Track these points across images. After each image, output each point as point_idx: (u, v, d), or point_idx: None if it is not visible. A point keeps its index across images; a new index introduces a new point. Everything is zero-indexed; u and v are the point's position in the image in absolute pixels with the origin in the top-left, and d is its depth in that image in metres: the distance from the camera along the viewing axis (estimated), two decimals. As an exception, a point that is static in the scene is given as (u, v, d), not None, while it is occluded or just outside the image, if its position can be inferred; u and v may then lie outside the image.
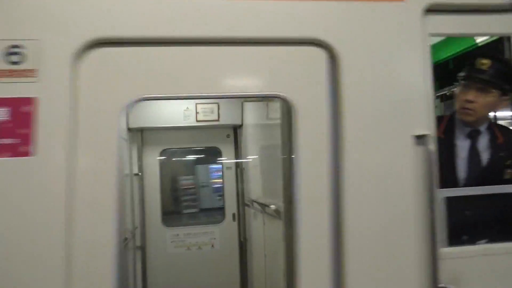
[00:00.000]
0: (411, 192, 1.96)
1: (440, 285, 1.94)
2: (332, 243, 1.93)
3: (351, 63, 1.98)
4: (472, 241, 2.13)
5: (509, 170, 2.33)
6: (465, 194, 2.17)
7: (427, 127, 2.00)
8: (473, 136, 2.43)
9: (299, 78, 1.98)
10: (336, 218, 1.93)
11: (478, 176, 2.35)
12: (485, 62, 2.37)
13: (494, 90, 2.34)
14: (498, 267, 2.05)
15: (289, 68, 1.98)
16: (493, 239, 2.12)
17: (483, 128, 2.44)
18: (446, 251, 2.02)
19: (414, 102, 2.02)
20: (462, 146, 2.41)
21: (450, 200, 2.13)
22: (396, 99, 2.00)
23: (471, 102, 2.35)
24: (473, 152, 2.40)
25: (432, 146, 1.96)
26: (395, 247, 1.95)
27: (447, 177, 2.27)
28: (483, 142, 2.43)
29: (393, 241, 1.95)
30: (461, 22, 2.16)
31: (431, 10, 2.10)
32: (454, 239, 2.11)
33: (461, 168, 2.35)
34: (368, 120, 1.98)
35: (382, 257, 1.94)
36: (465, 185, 2.31)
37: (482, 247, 2.10)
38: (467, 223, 2.20)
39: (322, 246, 1.92)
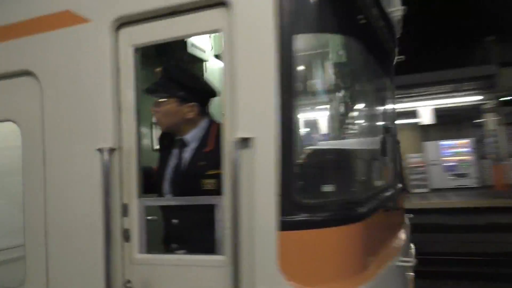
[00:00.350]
0: (97, 201, 2.11)
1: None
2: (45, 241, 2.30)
3: (50, 86, 2.24)
4: (171, 250, 2.12)
5: (208, 180, 2.10)
6: (159, 204, 2.14)
7: (113, 140, 2.10)
8: (180, 145, 2.28)
9: (22, 105, 2.35)
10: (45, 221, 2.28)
11: (179, 186, 2.22)
12: (158, 70, 2.19)
13: (167, 99, 2.20)
14: (189, 278, 2.02)
15: (15, 98, 2.38)
16: (191, 249, 2.07)
17: (190, 136, 2.26)
18: (140, 257, 2.11)
19: (102, 117, 2.13)
20: (174, 155, 2.30)
21: (161, 209, 2.17)
22: (85, 115, 2.16)
23: (156, 112, 2.26)
24: (179, 161, 2.26)
25: (108, 158, 2.06)
26: (83, 249, 2.17)
27: (157, 187, 2.26)
28: (188, 150, 2.26)
29: (82, 243, 2.17)
30: (165, 27, 2.09)
31: (127, 22, 2.12)
32: (159, 246, 2.16)
33: (168, 177, 2.24)
34: (60, 137, 2.21)
35: (69, 256, 2.20)
36: (175, 195, 2.21)
37: (175, 257, 2.08)
38: (171, 232, 2.15)
39: (40, 244, 2.30)
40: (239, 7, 1.88)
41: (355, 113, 2.33)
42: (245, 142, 1.85)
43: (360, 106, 2.49)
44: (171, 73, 2.26)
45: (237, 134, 1.87)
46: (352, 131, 2.16)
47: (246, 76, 1.87)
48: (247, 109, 1.87)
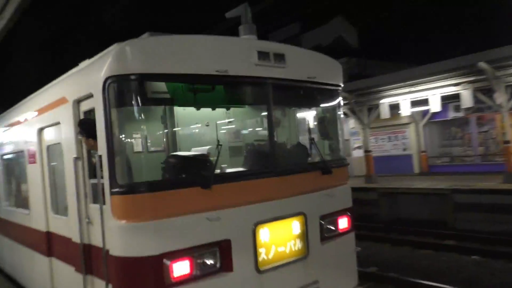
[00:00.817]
0: (74, 181, 4.79)
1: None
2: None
3: (62, 129, 5.05)
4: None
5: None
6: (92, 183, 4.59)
7: (77, 154, 4.73)
8: (95, 155, 4.54)
9: (60, 137, 5.21)
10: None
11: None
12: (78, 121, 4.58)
13: (81, 135, 4.55)
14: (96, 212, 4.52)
15: (57, 134, 5.27)
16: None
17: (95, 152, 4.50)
18: (91, 206, 4.70)
19: (74, 144, 4.76)
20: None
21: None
22: (68, 143, 4.86)
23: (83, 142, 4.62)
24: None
25: (75, 161, 4.70)
26: (73, 202, 4.87)
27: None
28: (97, 158, 4.49)
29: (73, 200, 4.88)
30: (85, 105, 4.61)
31: (80, 100, 4.70)
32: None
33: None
34: (67, 152, 4.98)
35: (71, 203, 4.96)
36: None
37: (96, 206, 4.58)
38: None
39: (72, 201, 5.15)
40: (95, 96, 4.20)
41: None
42: (100, 156, 4.19)
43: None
44: (80, 123, 4.73)
45: (98, 153, 4.23)
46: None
47: (99, 125, 4.18)
48: (101, 142, 4.18)
